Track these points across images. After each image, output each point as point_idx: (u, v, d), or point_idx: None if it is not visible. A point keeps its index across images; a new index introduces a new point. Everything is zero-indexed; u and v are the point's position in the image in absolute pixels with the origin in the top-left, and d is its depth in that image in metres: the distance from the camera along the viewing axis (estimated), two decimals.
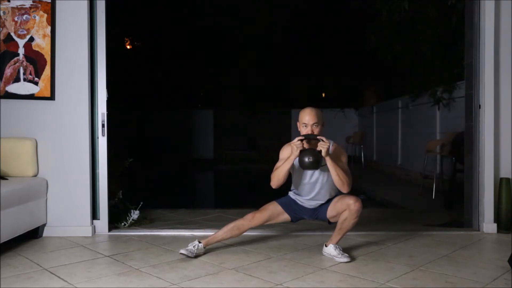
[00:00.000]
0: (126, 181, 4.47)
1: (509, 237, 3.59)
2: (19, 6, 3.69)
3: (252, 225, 3.10)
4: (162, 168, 11.38)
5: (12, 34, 3.69)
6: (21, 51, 3.69)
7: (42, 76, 3.68)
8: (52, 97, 3.69)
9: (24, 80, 3.69)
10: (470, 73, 3.98)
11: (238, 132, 13.98)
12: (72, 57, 3.70)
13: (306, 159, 2.85)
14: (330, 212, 3.06)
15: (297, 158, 2.93)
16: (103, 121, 3.76)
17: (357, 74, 13.13)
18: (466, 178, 4.06)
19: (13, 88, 3.69)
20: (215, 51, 13.87)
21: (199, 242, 3.10)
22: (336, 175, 2.89)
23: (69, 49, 3.70)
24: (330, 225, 3.17)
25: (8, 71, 3.69)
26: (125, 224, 4.01)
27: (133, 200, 4.25)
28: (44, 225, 3.68)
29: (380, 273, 2.75)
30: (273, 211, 3.11)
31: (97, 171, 3.79)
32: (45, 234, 3.68)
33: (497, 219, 3.81)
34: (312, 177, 3.02)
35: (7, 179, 3.45)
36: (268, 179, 3.01)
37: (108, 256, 3.15)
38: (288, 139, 3.02)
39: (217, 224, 3.84)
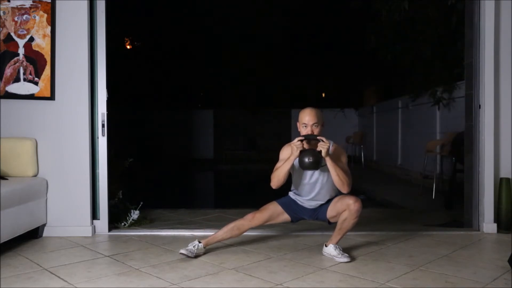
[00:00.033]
0: (126, 181, 4.47)
1: (509, 237, 3.59)
2: (19, 6, 3.69)
3: (252, 225, 3.10)
4: (162, 168, 11.38)
5: (12, 34, 3.69)
6: (21, 51, 3.69)
7: (42, 76, 3.68)
8: (52, 97, 3.69)
9: (24, 80, 3.69)
10: (470, 73, 3.98)
11: (238, 132, 13.99)
12: (72, 57, 3.70)
13: (306, 160, 2.85)
14: (330, 212, 3.06)
15: (297, 159, 2.93)
16: (103, 121, 3.76)
17: (357, 74, 13.14)
18: (466, 178, 4.06)
19: (13, 88, 3.69)
20: (215, 51, 13.88)
21: (199, 242, 3.10)
22: (336, 176, 2.89)
23: (69, 49, 3.70)
24: (330, 225, 3.17)
25: (8, 71, 3.69)
26: (125, 224, 4.01)
27: (133, 200, 4.25)
28: (44, 225, 3.68)
29: (380, 273, 2.75)
30: (273, 211, 3.12)
31: (97, 171, 3.79)
32: (45, 234, 3.68)
33: (497, 219, 3.81)
34: (312, 177, 3.02)
35: (7, 179, 3.45)
36: (268, 179, 3.01)
37: (108, 256, 3.15)
38: (288, 139, 3.02)
39: (217, 224, 3.84)
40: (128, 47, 13.82)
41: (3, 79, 3.68)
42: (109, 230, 3.81)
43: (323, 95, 15.81)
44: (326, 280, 2.64)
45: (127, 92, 11.30)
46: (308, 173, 3.01)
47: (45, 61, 3.68)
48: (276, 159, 3.08)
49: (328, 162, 2.89)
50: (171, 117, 13.62)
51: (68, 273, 2.75)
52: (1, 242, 3.03)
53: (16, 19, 3.69)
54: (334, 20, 12.55)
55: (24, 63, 3.69)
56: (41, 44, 3.69)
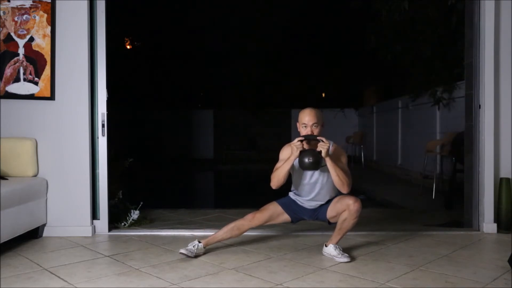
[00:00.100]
0: (126, 181, 4.47)
1: (509, 237, 3.59)
2: (19, 6, 3.69)
3: (252, 225, 3.10)
4: (162, 168, 11.38)
5: (12, 34, 3.69)
6: (21, 51, 3.69)
7: (42, 76, 3.68)
8: (52, 97, 3.69)
9: (24, 80, 3.69)
10: (470, 73, 3.98)
11: (238, 132, 13.99)
12: (72, 57, 3.70)
13: (306, 160, 2.85)
14: (330, 212, 3.06)
15: (297, 159, 2.93)
16: (103, 121, 3.76)
17: (357, 74, 13.13)
18: (466, 178, 4.06)
19: (13, 88, 3.69)
20: (215, 51, 13.87)
21: (199, 242, 3.10)
22: (336, 176, 2.89)
23: (69, 49, 3.70)
24: (330, 226, 3.17)
25: (8, 71, 3.69)
26: (125, 224, 4.01)
27: (133, 200, 4.25)
28: (44, 225, 3.68)
29: (380, 273, 2.75)
30: (273, 211, 3.12)
31: (97, 171, 3.79)
32: (45, 234, 3.68)
33: (497, 219, 3.81)
34: (312, 177, 3.02)
35: (7, 179, 3.45)
36: (268, 179, 3.01)
37: (108, 256, 3.15)
38: (288, 140, 3.02)
39: (217, 224, 3.84)
40: (128, 47, 13.82)
41: (3, 79, 3.68)
42: (109, 230, 3.81)
43: (323, 95, 15.80)
44: (326, 280, 2.64)
45: (127, 92, 11.29)
46: (308, 173, 3.01)
47: (45, 61, 3.68)
48: (276, 159, 3.08)
49: (328, 163, 2.89)
50: (171, 117, 13.63)
51: (68, 273, 2.75)
52: (1, 242, 3.03)
53: (16, 19, 3.69)
54: (334, 20, 12.55)
55: (24, 63, 3.69)
56: (41, 44, 3.69)
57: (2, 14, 3.69)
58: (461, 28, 4.55)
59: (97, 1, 3.75)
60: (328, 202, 3.08)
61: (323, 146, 2.86)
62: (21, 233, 3.33)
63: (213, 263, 2.94)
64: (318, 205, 3.09)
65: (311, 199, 3.08)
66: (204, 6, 13.16)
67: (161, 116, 13.58)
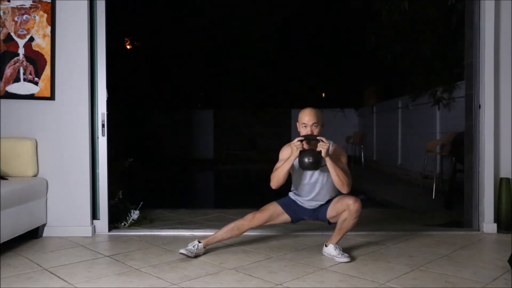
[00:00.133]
0: (126, 181, 4.47)
1: (509, 237, 3.59)
2: (19, 6, 3.69)
3: (252, 225, 3.10)
4: (162, 168, 11.38)
5: (12, 34, 3.69)
6: (21, 51, 3.69)
7: (42, 76, 3.68)
8: (52, 97, 3.69)
9: (24, 80, 3.69)
10: (470, 73, 3.98)
11: (238, 132, 13.98)
12: (72, 57, 3.70)
13: (306, 160, 2.85)
14: (330, 212, 3.06)
15: (297, 159, 2.93)
16: (103, 121, 3.76)
17: (357, 74, 13.13)
18: (466, 178, 4.06)
19: (13, 88, 3.69)
20: (215, 51, 13.87)
21: (199, 242, 3.10)
22: (336, 176, 2.89)
23: (69, 49, 3.70)
24: (330, 226, 3.17)
25: (8, 71, 3.69)
26: (125, 224, 4.01)
27: (133, 200, 4.25)
28: (44, 225, 3.68)
29: (380, 273, 2.75)
30: (273, 211, 3.11)
31: (97, 171, 3.79)
32: (45, 234, 3.68)
33: (497, 219, 3.81)
34: (312, 177, 3.02)
35: (7, 179, 3.45)
36: (268, 179, 3.01)
37: (108, 256, 3.15)
38: (288, 139, 3.02)
39: (217, 224, 3.84)
40: (128, 47, 13.82)
41: (3, 79, 3.68)
42: (109, 230, 3.81)
43: (323, 95, 15.81)
44: (326, 280, 2.64)
45: (127, 92, 11.29)
46: (308, 173, 3.01)
47: (45, 61, 3.68)
48: (276, 159, 3.08)
49: (328, 162, 2.89)
50: (171, 117, 13.62)
51: (68, 273, 2.75)
52: (1, 242, 3.03)
53: (16, 19, 3.69)
54: (334, 20, 12.55)
55: (24, 63, 3.69)
56: (41, 44, 3.69)
57: (2, 14, 3.69)
58: (461, 28, 4.55)
59: (97, 1, 3.75)
60: (328, 202, 3.08)
61: (323, 146, 2.86)
62: (21, 233, 3.33)
63: (213, 263, 2.94)
64: (318, 205, 3.09)
65: (311, 199, 3.08)
66: (204, 6, 13.16)
67: (161, 116, 13.58)
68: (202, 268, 2.84)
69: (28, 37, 3.69)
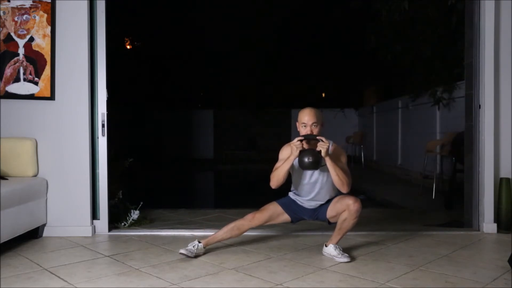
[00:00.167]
0: (126, 181, 4.47)
1: (509, 237, 3.59)
2: (19, 6, 3.69)
3: (252, 225, 3.10)
4: (162, 168, 11.38)
5: (12, 34, 3.69)
6: (21, 51, 3.69)
7: (42, 76, 3.68)
8: (52, 97, 3.69)
9: (24, 80, 3.69)
10: (470, 73, 3.98)
11: (238, 132, 13.98)
12: (72, 57, 3.70)
13: (306, 159, 2.85)
14: (330, 212, 3.06)
15: (297, 159, 2.93)
16: (103, 121, 3.76)
17: (357, 74, 13.13)
18: (466, 178, 4.06)
19: (13, 88, 3.69)
20: (215, 51, 13.87)
21: (199, 242, 3.10)
22: (335, 175, 2.89)
23: (69, 49, 3.70)
24: (330, 225, 3.17)
25: (8, 71, 3.69)
26: (125, 224, 4.01)
27: (133, 200, 4.25)
28: (44, 225, 3.68)
29: (380, 273, 2.75)
30: (273, 211, 3.11)
31: (97, 171, 3.79)
32: (45, 234, 3.68)
33: (497, 219, 3.81)
34: (311, 177, 3.02)
35: (7, 179, 3.45)
36: (268, 179, 3.01)
37: (108, 256, 3.15)
38: (288, 139, 3.02)
39: (217, 224, 3.84)
40: (128, 47, 13.82)
41: (3, 79, 3.68)
42: (109, 230, 3.81)
43: (323, 95, 15.81)
44: (326, 280, 2.64)
45: (127, 92, 11.29)
46: (308, 173, 3.01)
47: (45, 61, 3.68)
48: (276, 159, 3.08)
49: (328, 162, 2.89)
50: (171, 117, 13.62)
51: (68, 273, 2.75)
52: (1, 242, 3.03)
53: (16, 19, 3.69)
54: (334, 20, 12.55)
55: (24, 63, 3.69)
56: (41, 44, 3.69)
57: (2, 14, 3.69)
58: (461, 28, 4.55)
59: (97, 1, 3.75)
60: (328, 202, 3.08)
61: (322, 146, 2.86)
62: (21, 233, 3.33)
63: (213, 263, 2.94)
64: (318, 205, 3.09)
65: (311, 199, 3.08)
66: (204, 6, 13.17)
67: (161, 116, 13.57)
68: (202, 268, 2.84)
69: (28, 37, 3.69)
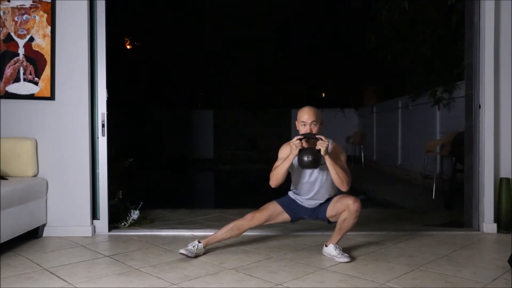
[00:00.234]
0: (126, 181, 4.47)
1: (509, 237, 3.59)
2: (19, 6, 3.69)
3: (252, 225, 3.10)
4: (162, 168, 11.38)
5: (12, 34, 3.69)
6: (21, 51, 3.69)
7: (42, 76, 3.68)
8: (52, 97, 3.69)
9: (24, 80, 3.69)
10: (470, 73, 3.98)
11: (238, 132, 13.98)
12: (72, 57, 3.70)
13: (305, 158, 2.85)
14: (330, 211, 3.06)
15: (296, 157, 2.92)
16: (103, 121, 3.76)
17: (357, 74, 13.14)
18: (466, 178, 4.06)
19: (13, 88, 3.69)
20: (215, 51, 13.88)
21: (199, 242, 3.10)
22: (335, 174, 2.89)
23: (69, 49, 3.70)
24: (330, 225, 3.17)
25: (8, 71, 3.69)
26: (125, 224, 4.01)
27: (133, 200, 4.25)
28: (44, 225, 3.68)
29: (380, 273, 2.75)
30: (273, 211, 3.11)
31: (97, 171, 3.79)
32: (45, 234, 3.68)
33: (497, 219, 3.81)
34: (311, 176, 3.02)
35: (7, 179, 3.45)
36: (268, 179, 3.01)
37: (108, 256, 3.15)
38: (288, 139, 3.02)
39: (217, 224, 3.84)
40: (128, 47, 13.82)
41: (3, 79, 3.68)
42: (109, 230, 3.81)
43: (323, 95, 15.82)
44: (326, 280, 2.64)
45: (127, 92, 11.29)
46: (307, 172, 3.01)
47: (45, 61, 3.68)
48: (276, 159, 3.08)
49: (327, 161, 2.89)
50: (171, 117, 13.62)
51: (68, 273, 2.75)
52: (1, 242, 3.03)
53: (16, 19, 3.69)
54: (334, 20, 12.56)
55: (24, 63, 3.69)
56: (41, 44, 3.69)
57: (2, 14, 3.69)
58: (461, 28, 4.55)
59: (97, 1, 3.75)
60: (328, 200, 3.08)
61: (322, 144, 2.86)
62: (21, 233, 3.33)
63: (213, 263, 2.94)
64: (317, 204, 3.09)
65: (311, 198, 3.08)
66: (204, 6, 13.17)
67: (161, 116, 13.57)
68: (202, 268, 2.84)
69: (28, 37, 3.69)
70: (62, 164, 3.70)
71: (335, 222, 3.07)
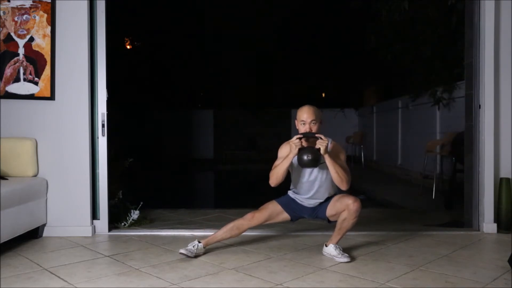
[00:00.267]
0: (126, 181, 4.47)
1: (509, 237, 3.59)
2: (19, 6, 3.69)
3: (252, 224, 3.10)
4: (162, 168, 11.38)
5: (12, 34, 3.69)
6: (21, 51, 3.69)
7: (42, 76, 3.68)
8: (52, 97, 3.69)
9: (24, 80, 3.69)
10: (470, 73, 3.98)
11: (238, 132, 13.98)
12: (72, 57, 3.70)
13: (305, 157, 2.85)
14: (330, 211, 3.05)
15: (296, 156, 2.92)
16: (103, 121, 3.76)
17: (357, 74, 13.14)
18: (466, 178, 4.06)
19: (13, 88, 3.69)
20: (215, 51, 13.88)
21: (199, 242, 3.10)
22: (335, 173, 2.89)
23: (69, 49, 3.70)
24: (330, 224, 3.17)
25: (8, 71, 3.69)
26: (125, 224, 4.01)
27: (133, 200, 4.25)
28: (44, 225, 3.68)
29: (380, 273, 2.75)
30: (273, 210, 3.11)
31: (97, 171, 3.79)
32: (45, 234, 3.68)
33: (497, 219, 3.81)
34: (311, 175, 3.02)
35: (7, 179, 3.45)
36: (268, 179, 3.01)
37: (108, 256, 3.15)
38: (288, 139, 3.01)
39: (217, 224, 3.84)
40: (128, 47, 13.82)
41: (3, 79, 3.68)
42: (109, 230, 3.81)
43: (323, 95, 15.82)
44: (326, 280, 2.64)
45: (127, 92, 11.29)
46: (307, 171, 3.01)
47: (45, 61, 3.68)
48: (275, 158, 3.08)
49: (327, 160, 2.88)
50: (171, 117, 13.62)
51: (68, 273, 2.75)
52: (1, 242, 3.03)
53: (16, 19, 3.69)
54: (334, 20, 12.56)
55: (24, 63, 3.69)
56: (41, 44, 3.69)
57: (2, 14, 3.69)
58: (461, 28, 4.55)
59: (97, 1, 3.75)
60: (327, 200, 3.08)
61: (321, 144, 2.86)
62: (21, 233, 3.33)
63: (213, 263, 2.94)
64: (317, 203, 3.09)
65: (310, 197, 3.07)
66: (204, 6, 13.17)
67: (161, 116, 13.57)
68: (202, 268, 2.84)
69: (28, 37, 3.69)
70: (62, 164, 3.70)
71: (335, 222, 3.07)
